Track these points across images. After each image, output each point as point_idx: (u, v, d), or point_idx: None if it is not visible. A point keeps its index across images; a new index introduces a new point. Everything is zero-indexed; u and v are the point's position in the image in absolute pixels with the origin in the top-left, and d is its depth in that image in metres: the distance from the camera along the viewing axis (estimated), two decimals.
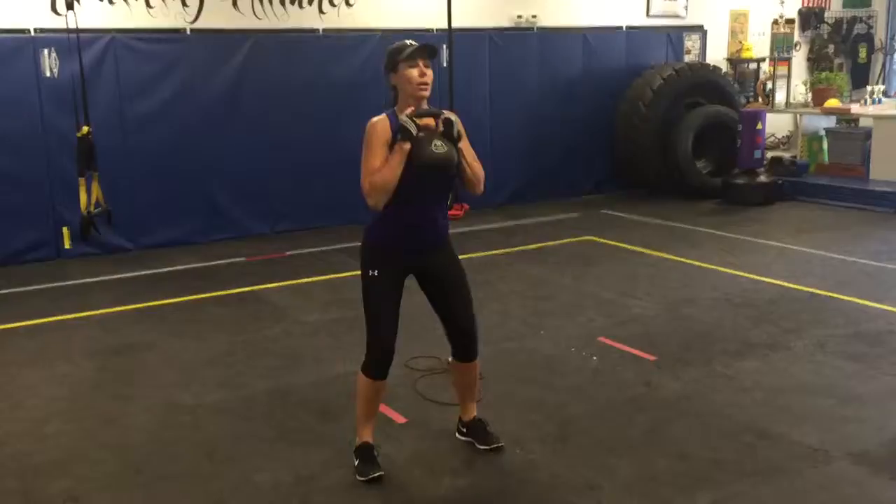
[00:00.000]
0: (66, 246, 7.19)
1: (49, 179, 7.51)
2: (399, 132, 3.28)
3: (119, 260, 7.64)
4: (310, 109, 8.59)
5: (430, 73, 3.38)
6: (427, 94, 3.40)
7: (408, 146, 3.27)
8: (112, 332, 5.58)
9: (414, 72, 3.34)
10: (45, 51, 7.32)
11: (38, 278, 7.00)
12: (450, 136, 3.35)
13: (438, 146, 3.30)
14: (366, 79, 8.75)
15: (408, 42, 3.40)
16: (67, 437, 4.00)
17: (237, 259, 7.60)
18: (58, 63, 7.34)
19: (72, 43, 6.64)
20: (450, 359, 3.75)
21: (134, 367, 4.93)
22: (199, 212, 8.29)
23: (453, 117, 3.37)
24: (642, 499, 3.29)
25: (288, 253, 7.80)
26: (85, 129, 6.10)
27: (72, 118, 6.34)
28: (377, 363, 3.47)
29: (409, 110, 3.34)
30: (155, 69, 7.90)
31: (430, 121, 3.38)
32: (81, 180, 6.12)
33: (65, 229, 7.12)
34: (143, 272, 7.20)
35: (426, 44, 3.38)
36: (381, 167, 3.29)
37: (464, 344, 3.63)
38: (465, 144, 3.43)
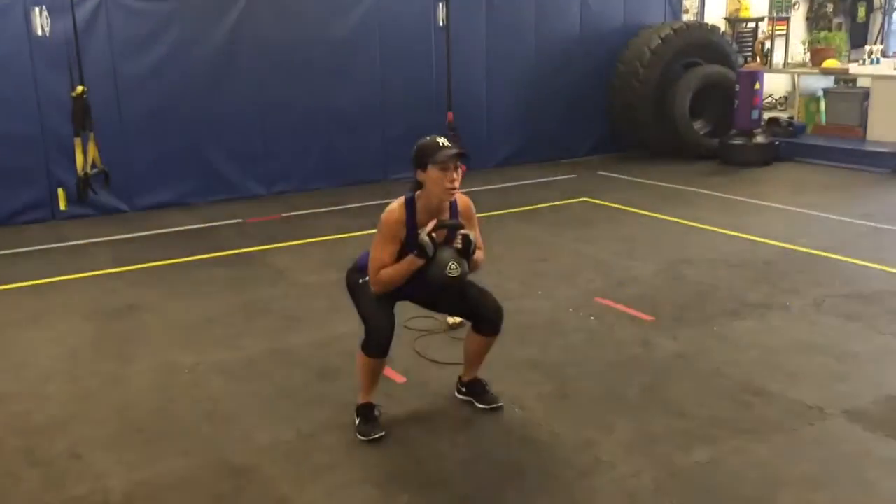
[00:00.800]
0: (62, 207, 7.18)
1: (44, 140, 7.46)
2: (416, 247, 3.30)
3: (115, 221, 7.62)
4: (306, 69, 8.53)
5: (459, 177, 3.33)
6: (454, 197, 3.40)
7: (420, 262, 3.31)
8: (111, 293, 5.58)
9: (445, 177, 3.29)
10: (36, 9, 7.23)
11: (35, 240, 6.98)
12: (466, 254, 3.35)
13: (452, 269, 3.31)
14: (362, 37, 8.68)
15: (440, 142, 3.33)
16: (68, 396, 4.03)
17: (234, 220, 7.59)
18: (49, 21, 7.24)
19: (63, 1, 6.54)
20: (468, 330, 3.75)
21: (133, 327, 4.94)
22: (196, 173, 8.25)
23: (471, 235, 3.37)
24: (640, 456, 3.33)
25: (284, 214, 7.78)
26: (80, 88, 6.04)
27: (65, 78, 6.28)
28: (377, 345, 3.46)
29: (430, 225, 3.31)
30: (148, 27, 7.82)
31: (446, 231, 3.40)
32: (77, 141, 6.08)
33: (60, 190, 7.10)
34: (140, 233, 7.18)
35: (460, 150, 3.33)
36: (388, 263, 3.34)
37: (495, 321, 3.63)
38: (476, 234, 3.45)
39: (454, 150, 3.30)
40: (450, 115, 7.64)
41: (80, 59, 6.15)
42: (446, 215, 3.44)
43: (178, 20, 7.93)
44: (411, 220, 3.36)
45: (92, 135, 6.25)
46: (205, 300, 5.39)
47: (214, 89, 8.17)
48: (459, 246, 3.36)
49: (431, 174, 3.30)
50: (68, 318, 5.12)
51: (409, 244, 3.35)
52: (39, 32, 7.25)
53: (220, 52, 8.17)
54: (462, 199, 3.51)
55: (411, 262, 3.33)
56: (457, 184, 3.33)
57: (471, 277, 3.60)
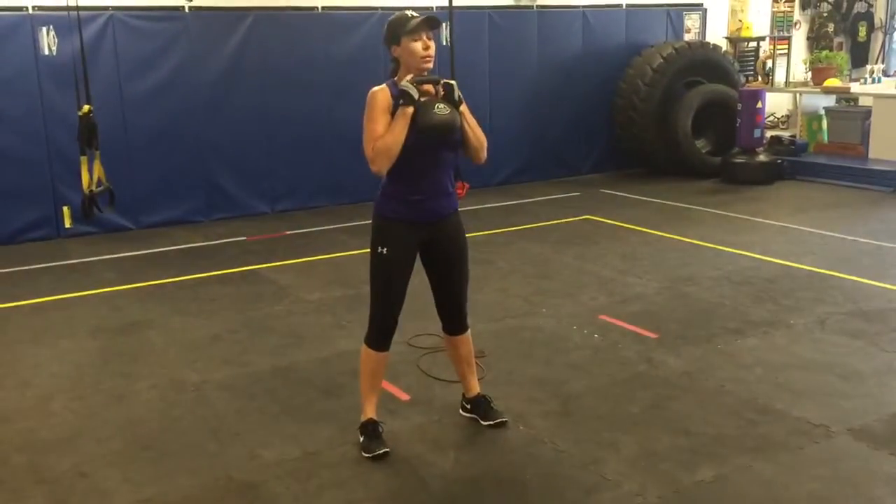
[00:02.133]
0: (67, 225, 7.21)
1: (49, 158, 7.51)
2: (401, 97, 3.29)
3: (120, 239, 7.65)
4: (309, 88, 8.58)
5: (433, 45, 3.37)
6: (431, 66, 3.40)
7: (410, 110, 3.28)
8: (115, 311, 5.60)
9: (418, 45, 3.33)
10: (44, 28, 7.30)
11: (40, 257, 7.01)
12: (451, 99, 3.36)
13: (441, 109, 3.31)
14: (365, 57, 8.72)
15: (409, 13, 3.38)
16: (74, 414, 4.03)
17: (238, 238, 7.61)
18: (56, 41, 7.31)
19: (71, 20, 6.61)
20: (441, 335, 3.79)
21: (138, 344, 4.96)
22: (200, 191, 8.29)
23: (452, 82, 3.38)
24: (645, 474, 3.33)
25: (288, 232, 7.81)
26: (86, 107, 6.07)
27: (71, 96, 6.32)
28: (380, 335, 3.51)
29: (409, 77, 3.34)
30: (154, 47, 7.88)
31: (430, 87, 3.38)
32: (83, 159, 6.11)
33: (65, 208, 7.13)
34: (144, 251, 7.21)
35: (429, 15, 3.35)
36: (383, 132, 3.30)
37: (454, 317, 3.67)
38: (465, 109, 3.44)
39: (423, 16, 3.33)
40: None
41: (86, 79, 6.19)
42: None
43: (184, 40, 7.99)
44: (396, 96, 3.34)
45: (97, 153, 6.28)
46: (209, 318, 5.40)
47: (219, 108, 8.23)
48: (442, 93, 3.35)
49: (405, 45, 3.33)
50: (73, 336, 5.14)
51: (396, 101, 3.31)
52: (46, 52, 7.31)
53: (225, 71, 8.23)
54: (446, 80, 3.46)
55: (401, 113, 3.29)
56: (431, 51, 3.34)
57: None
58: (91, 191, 6.17)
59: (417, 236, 3.49)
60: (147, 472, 3.46)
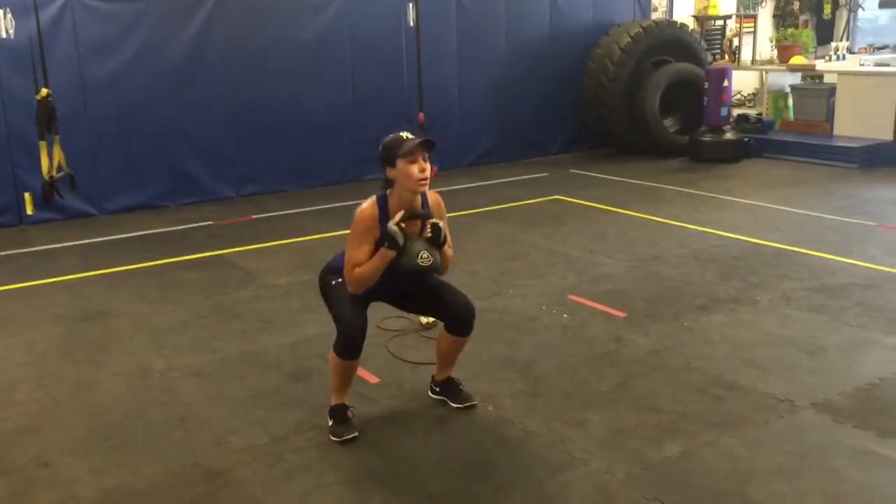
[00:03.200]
0: (29, 212, 7.07)
1: (9, 144, 7.36)
2: (386, 240, 3.28)
3: (83, 225, 7.54)
4: (276, 71, 8.48)
5: (429, 167, 3.32)
6: (426, 189, 3.38)
7: (392, 255, 3.29)
8: (79, 298, 5.52)
9: (414, 168, 3.28)
10: (0, 11, 7.11)
11: (1, 245, 6.88)
12: (436, 243, 3.34)
13: (424, 259, 3.31)
14: (332, 37, 8.65)
15: (404, 135, 3.33)
16: (37, 403, 3.97)
17: (204, 223, 7.53)
18: (13, 23, 7.13)
19: (27, 2, 6.45)
20: (440, 330, 3.75)
21: (103, 332, 4.89)
22: (164, 176, 8.18)
23: (441, 224, 3.37)
24: (613, 451, 3.34)
25: (255, 217, 7.73)
26: (44, 91, 5.94)
27: (30, 80, 6.19)
28: (350, 346, 3.44)
29: (398, 216, 3.30)
30: (115, 29, 7.74)
31: (416, 227, 3.38)
32: (42, 144, 5.99)
33: (27, 195, 6.99)
34: (108, 237, 7.11)
35: (426, 139, 3.31)
36: (364, 261, 3.33)
37: (467, 321, 3.61)
38: (445, 228, 3.43)
39: (419, 139, 3.30)
40: (421, 115, 7.65)
41: (44, 62, 6.06)
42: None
43: (146, 22, 7.85)
44: (384, 217, 3.35)
45: (58, 138, 6.16)
46: (175, 304, 5.34)
47: (183, 91, 8.11)
48: (429, 234, 3.35)
49: (401, 168, 3.29)
50: (36, 324, 5.05)
51: (382, 238, 3.33)
52: (3, 34, 7.13)
53: (189, 53, 8.10)
54: (432, 196, 3.51)
55: (383, 254, 3.31)
56: (427, 173, 3.31)
57: (443, 277, 3.60)
58: (51, 176, 6.06)
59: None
60: (112, 460, 3.42)
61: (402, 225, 3.30)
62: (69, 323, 5.06)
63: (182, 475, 3.28)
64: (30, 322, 5.10)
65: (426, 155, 3.31)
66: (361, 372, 4.09)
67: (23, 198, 7.16)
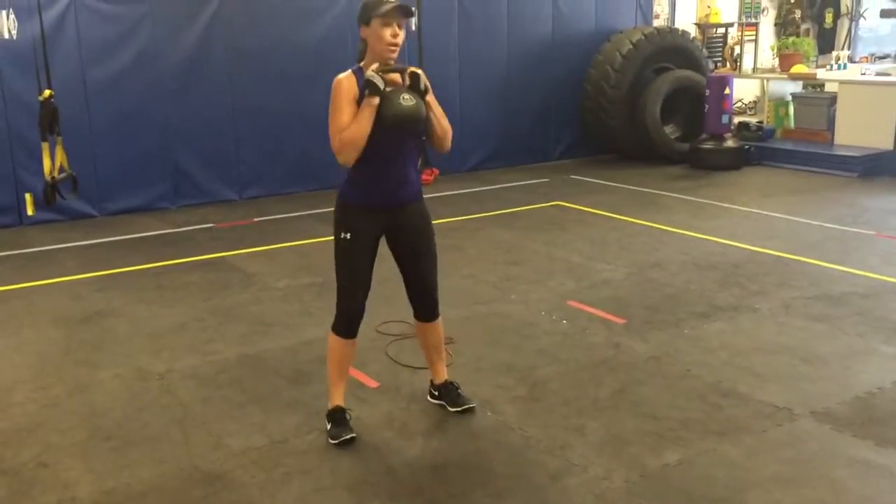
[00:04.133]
0: (30, 213, 7.07)
1: (10, 144, 7.35)
2: (366, 87, 3.26)
3: (84, 226, 7.54)
4: (278, 72, 8.49)
5: (402, 34, 3.33)
6: (395, 56, 3.36)
7: (376, 101, 3.25)
8: (78, 300, 5.52)
9: (387, 31, 3.29)
10: (3, 12, 7.12)
11: (1, 245, 6.88)
12: (417, 89, 3.33)
13: (407, 99, 3.27)
14: (333, 43, 8.65)
15: None
16: (35, 404, 3.97)
17: (205, 225, 7.53)
18: (16, 24, 7.14)
19: (31, 3, 6.47)
20: (413, 321, 3.78)
21: (102, 334, 4.89)
22: (165, 178, 8.18)
23: (419, 71, 3.36)
24: (611, 458, 3.34)
25: (256, 219, 7.74)
26: (47, 92, 5.96)
27: (32, 81, 6.20)
28: (347, 322, 3.49)
29: (374, 66, 3.31)
30: (118, 31, 7.74)
31: (396, 76, 3.36)
32: (45, 145, 6.00)
33: (28, 195, 6.99)
34: (108, 239, 7.11)
35: (403, 4, 3.31)
36: (349, 123, 3.27)
37: (426, 304, 3.65)
38: (431, 98, 3.42)
39: (396, 3, 3.29)
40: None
41: (47, 63, 6.07)
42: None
43: (149, 24, 7.86)
44: (362, 84, 3.31)
45: (60, 139, 6.17)
46: (175, 306, 5.34)
47: (185, 94, 8.11)
48: (408, 82, 3.33)
49: (374, 28, 3.29)
50: (35, 325, 5.05)
51: (362, 91, 3.28)
52: (6, 35, 7.15)
53: (191, 56, 8.11)
54: (414, 68, 3.45)
55: (367, 103, 3.26)
56: (399, 39, 3.30)
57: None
58: (53, 177, 6.07)
59: (380, 223, 3.47)
60: (110, 462, 3.42)
61: (382, 74, 3.27)
62: (68, 324, 5.06)
63: (180, 477, 3.28)
64: (29, 323, 5.10)
65: (401, 22, 3.31)
66: (360, 376, 4.10)
67: (24, 198, 7.16)
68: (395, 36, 3.30)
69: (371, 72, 3.27)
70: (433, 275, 3.64)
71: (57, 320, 5.13)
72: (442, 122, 3.48)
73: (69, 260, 6.49)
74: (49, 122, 6.00)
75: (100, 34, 7.65)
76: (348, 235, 3.43)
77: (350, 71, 3.37)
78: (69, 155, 6.29)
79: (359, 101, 3.29)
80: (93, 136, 7.69)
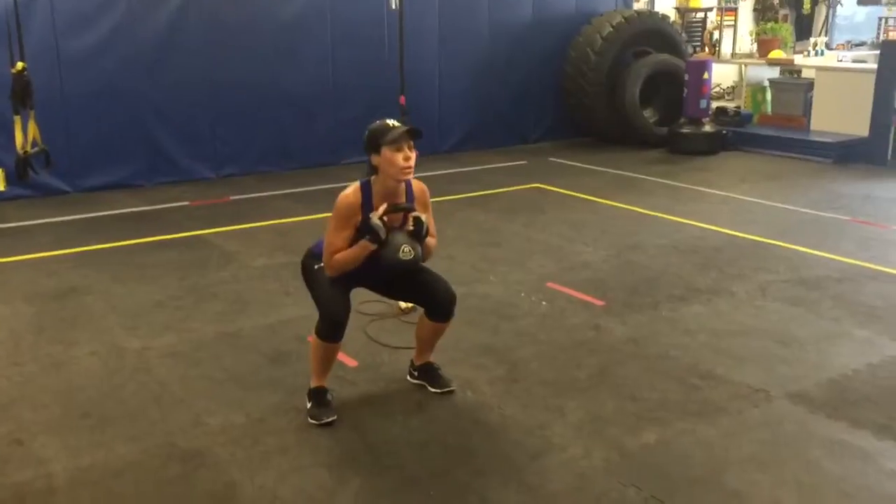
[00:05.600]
0: (1, 188, 6.95)
1: None
2: (368, 232, 3.27)
3: (57, 202, 7.43)
4: (256, 49, 8.39)
5: (414, 156, 3.30)
6: (410, 177, 3.36)
7: (373, 247, 3.28)
8: (53, 276, 5.44)
9: (399, 157, 3.26)
10: None
11: None
12: (418, 236, 3.33)
13: (406, 252, 3.30)
14: (313, 18, 8.57)
15: (390, 123, 3.31)
16: (8, 381, 3.91)
17: (181, 203, 7.45)
18: None
19: None
20: (420, 315, 3.74)
21: (76, 311, 4.82)
22: (141, 154, 8.08)
23: (422, 217, 3.36)
24: (590, 438, 3.36)
25: (233, 198, 7.67)
26: (20, 65, 5.84)
27: (4, 54, 6.07)
28: (333, 327, 3.42)
29: (381, 209, 3.28)
30: (93, 3, 7.60)
31: (397, 218, 3.36)
32: (17, 119, 5.88)
33: None
34: (82, 215, 7.01)
35: (411, 127, 3.30)
36: (343, 248, 3.31)
37: (447, 308, 3.61)
38: (429, 220, 3.43)
39: (405, 128, 3.28)
40: (402, 98, 7.63)
41: (20, 34, 5.94)
42: (402, 198, 3.42)
43: None
44: (367, 204, 3.34)
45: (32, 113, 6.05)
46: (151, 283, 5.28)
47: (161, 69, 8.00)
48: (411, 228, 3.34)
49: (385, 155, 3.28)
50: (8, 302, 4.98)
51: (363, 229, 3.32)
52: None
53: (167, 30, 7.99)
54: (417, 185, 3.50)
55: (364, 246, 3.31)
56: (412, 162, 3.30)
57: (424, 264, 3.59)
58: (25, 152, 5.95)
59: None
60: (86, 439, 3.38)
61: (385, 218, 3.29)
62: (43, 301, 4.99)
63: (158, 455, 3.26)
64: (1, 299, 5.02)
65: (411, 143, 3.30)
66: (340, 355, 4.07)
67: None
68: (407, 159, 3.28)
69: (376, 220, 3.25)
70: (438, 284, 3.58)
71: (31, 297, 5.06)
72: (430, 249, 3.50)
73: (43, 236, 6.40)
74: (22, 95, 5.88)
75: (74, 6, 7.51)
76: (322, 264, 3.44)
77: (357, 186, 3.35)
78: (42, 129, 6.17)
79: (359, 227, 3.31)
80: (66, 111, 7.57)
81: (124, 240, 6.25)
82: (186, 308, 4.85)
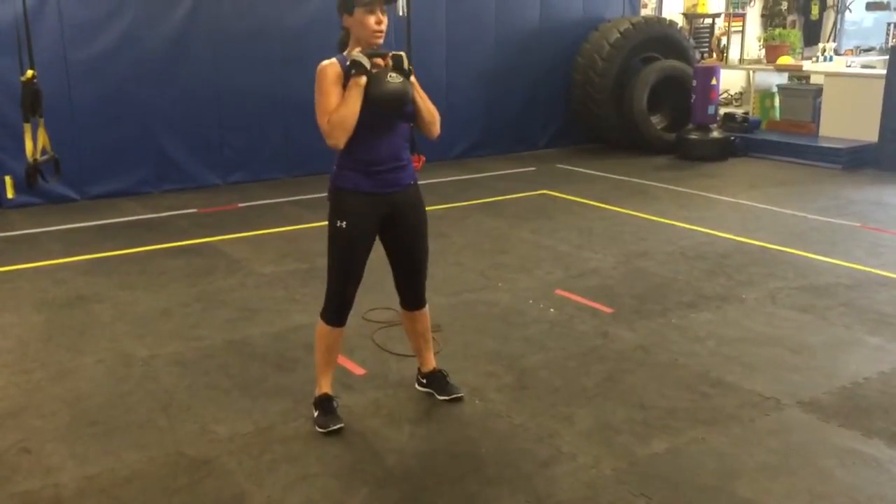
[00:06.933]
0: (10, 195, 6.96)
1: None
2: (352, 67, 3.23)
3: (65, 210, 7.45)
4: (263, 57, 8.41)
5: (385, 20, 3.30)
6: (380, 42, 3.33)
7: (363, 80, 3.22)
8: (61, 284, 5.45)
9: (371, 19, 3.26)
10: None
11: None
12: (401, 69, 3.31)
13: (393, 77, 3.27)
14: (319, 27, 8.56)
15: None
16: (17, 388, 3.91)
17: (189, 210, 7.46)
18: None
19: None
20: (399, 309, 3.75)
21: (85, 318, 4.83)
22: (149, 162, 8.10)
23: (402, 53, 3.34)
24: (599, 446, 3.34)
25: (241, 205, 7.67)
26: (29, 73, 5.85)
27: (14, 62, 6.09)
28: (337, 311, 3.46)
29: (357, 49, 3.29)
30: (101, 12, 7.63)
31: (379, 60, 3.33)
32: (27, 127, 5.90)
33: (8, 178, 6.88)
34: (91, 223, 7.03)
35: None
36: (337, 105, 3.23)
37: (414, 292, 3.63)
38: (415, 82, 3.40)
39: None
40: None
41: (30, 43, 5.96)
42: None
43: (132, 5, 7.75)
44: (346, 73, 3.28)
45: (42, 121, 6.07)
46: (159, 291, 5.28)
47: (169, 76, 8.02)
48: (391, 64, 3.31)
49: (357, 17, 3.26)
50: (17, 310, 4.98)
51: (347, 72, 3.25)
52: None
53: (175, 38, 8.01)
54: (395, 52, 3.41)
55: (353, 83, 3.23)
56: (383, 26, 3.28)
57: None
58: (35, 160, 5.96)
59: (377, 209, 3.41)
60: (94, 447, 3.37)
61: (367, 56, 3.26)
62: (51, 308, 5.00)
63: (166, 464, 3.25)
64: (10, 307, 5.03)
65: (384, 8, 3.29)
66: (347, 363, 4.08)
67: (3, 181, 7.05)
68: (379, 23, 3.27)
69: (356, 53, 3.25)
70: (424, 263, 3.61)
71: (39, 304, 5.06)
72: (428, 104, 3.46)
73: (51, 244, 6.41)
74: (31, 103, 5.89)
75: (83, 15, 7.54)
76: (343, 224, 3.38)
77: (334, 58, 3.33)
78: (51, 137, 6.19)
79: (344, 85, 3.26)
80: (75, 119, 7.59)
81: (132, 247, 6.25)
82: (194, 316, 4.85)
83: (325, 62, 3.31)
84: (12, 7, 6.73)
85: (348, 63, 3.24)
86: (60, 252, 6.15)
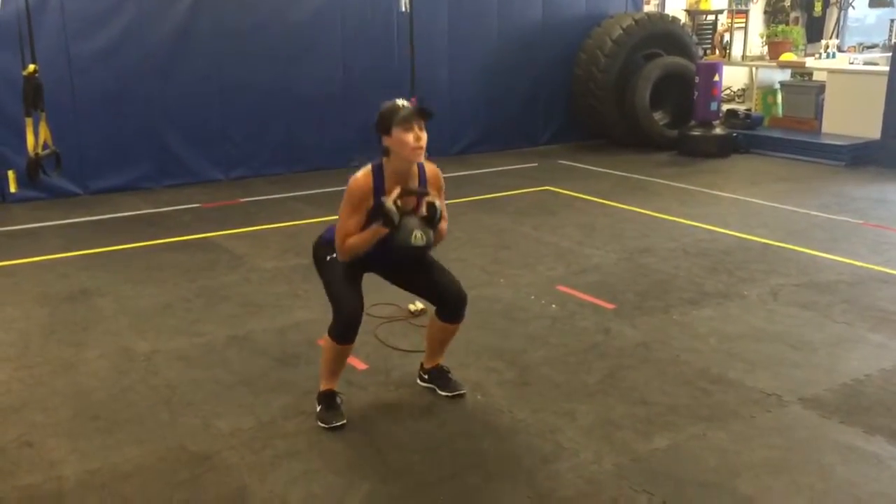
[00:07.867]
0: (12, 190, 6.98)
1: None
2: (381, 216, 3.23)
3: (67, 205, 7.46)
4: (265, 52, 8.41)
5: (425, 136, 3.26)
6: (422, 157, 3.32)
7: (385, 231, 3.24)
8: (63, 278, 5.45)
9: (409, 136, 3.22)
10: None
11: None
12: (431, 222, 3.30)
13: (418, 238, 3.25)
14: (323, 21, 8.57)
15: (399, 103, 3.28)
16: (19, 383, 3.92)
17: (191, 205, 7.46)
18: None
19: None
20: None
21: (87, 313, 4.83)
22: (151, 156, 8.10)
23: (437, 203, 3.32)
24: (601, 442, 3.34)
25: (243, 200, 7.67)
26: (31, 67, 5.85)
27: (16, 56, 6.09)
28: (346, 327, 3.40)
29: (394, 193, 3.24)
30: (103, 6, 7.63)
31: (411, 200, 3.33)
32: (28, 121, 5.90)
33: (10, 172, 6.89)
34: (93, 217, 7.03)
35: (421, 107, 3.27)
36: (355, 232, 3.29)
37: (458, 308, 3.59)
38: (441, 203, 3.39)
39: (415, 107, 3.25)
40: (413, 100, 7.66)
41: (31, 37, 5.96)
42: (415, 182, 3.38)
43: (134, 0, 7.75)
44: (379, 187, 3.30)
45: (44, 115, 6.07)
46: (161, 286, 5.29)
47: (171, 71, 8.02)
48: (425, 214, 3.31)
49: (396, 136, 3.24)
50: (19, 304, 4.99)
51: (375, 213, 3.28)
52: None
53: (178, 32, 8.01)
54: (430, 168, 3.46)
55: (376, 230, 3.27)
56: (423, 142, 3.26)
57: (441, 262, 3.58)
58: (37, 154, 5.97)
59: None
60: (96, 441, 3.38)
61: (398, 202, 3.25)
62: (52, 303, 5.00)
63: (168, 458, 3.25)
64: (12, 301, 5.04)
65: (422, 123, 3.26)
66: (349, 358, 4.07)
67: (6, 175, 7.06)
68: (418, 139, 3.24)
69: (389, 203, 3.21)
70: (457, 283, 3.57)
71: (41, 299, 5.07)
72: (442, 232, 3.46)
73: (53, 238, 6.42)
74: (33, 97, 5.90)
75: (85, 9, 7.54)
76: (335, 255, 3.42)
77: (368, 169, 3.33)
78: (53, 131, 6.19)
79: (371, 211, 3.28)
80: (77, 113, 7.60)
81: (134, 242, 6.26)
82: (196, 311, 4.85)
83: (359, 174, 3.32)
84: (14, 1, 6.72)
85: (379, 205, 3.23)
86: (62, 246, 6.16)
